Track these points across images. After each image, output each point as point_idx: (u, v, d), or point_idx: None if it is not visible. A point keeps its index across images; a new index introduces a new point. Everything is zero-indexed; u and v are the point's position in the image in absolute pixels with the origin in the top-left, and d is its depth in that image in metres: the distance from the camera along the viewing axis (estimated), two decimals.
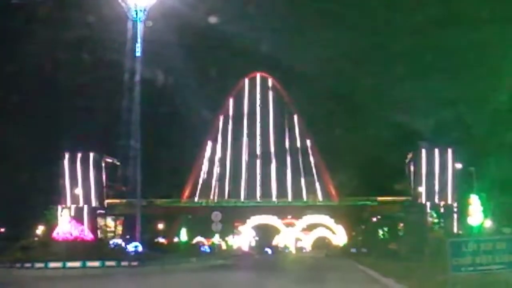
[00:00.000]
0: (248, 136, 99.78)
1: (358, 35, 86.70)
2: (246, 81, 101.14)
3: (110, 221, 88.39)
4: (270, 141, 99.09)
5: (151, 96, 68.06)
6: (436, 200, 79.77)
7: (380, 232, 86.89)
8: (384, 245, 65.42)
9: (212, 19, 66.37)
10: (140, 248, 51.13)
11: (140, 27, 59.73)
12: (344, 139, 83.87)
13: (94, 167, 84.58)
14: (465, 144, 65.78)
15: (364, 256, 53.67)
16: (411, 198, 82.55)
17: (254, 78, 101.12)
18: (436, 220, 70.83)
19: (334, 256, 75.78)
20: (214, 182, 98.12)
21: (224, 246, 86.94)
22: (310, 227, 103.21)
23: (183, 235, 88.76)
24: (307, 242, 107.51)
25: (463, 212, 58.48)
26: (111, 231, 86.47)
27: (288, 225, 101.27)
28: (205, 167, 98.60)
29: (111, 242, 61.74)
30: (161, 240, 79.97)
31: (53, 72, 72.21)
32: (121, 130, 65.75)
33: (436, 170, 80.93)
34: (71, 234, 53.20)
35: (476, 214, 49.98)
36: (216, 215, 47.48)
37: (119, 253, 47.06)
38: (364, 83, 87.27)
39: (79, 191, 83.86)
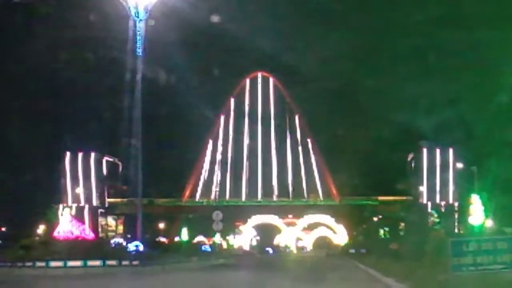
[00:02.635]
0: (249, 135, 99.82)
1: (359, 35, 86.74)
2: (248, 80, 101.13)
3: (111, 220, 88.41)
4: (271, 141, 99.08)
5: (153, 95, 68.07)
6: (437, 200, 79.73)
7: (381, 231, 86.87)
8: (385, 244, 65.26)
9: (214, 18, 66.40)
10: (141, 247, 51.14)
11: (141, 26, 59.69)
12: (346, 139, 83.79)
13: (95, 166, 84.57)
14: (466, 144, 65.80)
15: (365, 256, 53.61)
16: (412, 198, 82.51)
17: (256, 78, 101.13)
18: (437, 220, 70.69)
19: (335, 256, 75.76)
20: (215, 181, 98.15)
21: (225, 246, 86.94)
22: (311, 227, 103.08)
23: (184, 235, 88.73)
24: (308, 241, 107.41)
25: (464, 212, 58.42)
26: (112, 230, 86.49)
27: (289, 224, 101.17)
28: (206, 166, 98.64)
29: (112, 241, 61.76)
30: (162, 239, 80.00)
31: (55, 71, 72.21)
32: (122, 129, 65.71)
33: (437, 169, 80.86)
34: (72, 233, 53.30)
35: (477, 213, 49.96)
36: (217, 215, 47.48)
37: (120, 252, 47.08)
38: (365, 83, 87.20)
39: (80, 190, 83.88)
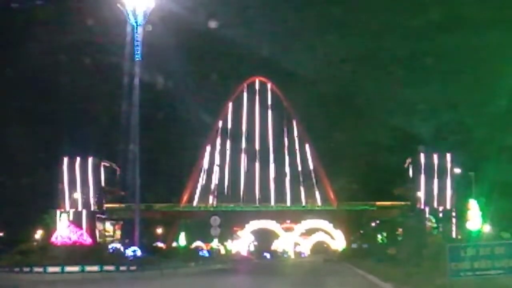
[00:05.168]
0: (247, 140, 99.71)
1: (358, 39, 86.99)
2: (245, 85, 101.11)
3: (108, 226, 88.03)
4: (269, 146, 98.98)
5: (150, 100, 68.05)
6: (435, 205, 79.56)
7: (379, 236, 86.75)
8: (383, 249, 65.22)
9: (212, 24, 66.45)
10: (138, 253, 51.07)
11: (139, 31, 59.68)
12: (343, 144, 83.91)
13: (93, 171, 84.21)
14: (464, 149, 65.79)
15: (363, 261, 53.59)
16: (410, 203, 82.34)
17: (253, 83, 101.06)
18: (435, 225, 70.61)
19: (333, 261, 75.70)
20: (213, 186, 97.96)
21: (223, 251, 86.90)
22: (309, 232, 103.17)
23: (182, 240, 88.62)
24: (306, 246, 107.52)
25: (462, 217, 58.41)
26: (109, 236, 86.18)
27: (287, 229, 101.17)
28: (204, 171, 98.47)
29: (109, 246, 61.66)
30: (160, 244, 79.87)
31: (53, 75, 72.24)
32: (120, 134, 65.66)
33: (435, 174, 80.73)
34: (69, 239, 53.35)
35: (475, 219, 49.97)
36: (215, 220, 47.52)
37: (117, 258, 47.01)
38: (363, 87, 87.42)
39: (78, 195, 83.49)
